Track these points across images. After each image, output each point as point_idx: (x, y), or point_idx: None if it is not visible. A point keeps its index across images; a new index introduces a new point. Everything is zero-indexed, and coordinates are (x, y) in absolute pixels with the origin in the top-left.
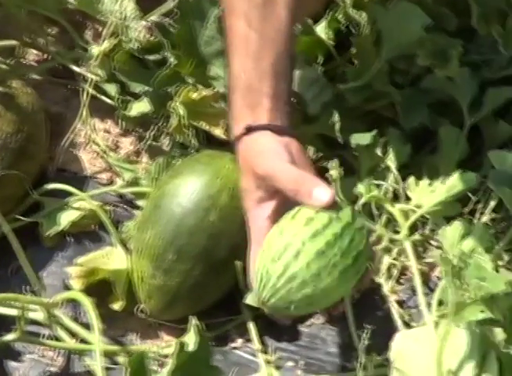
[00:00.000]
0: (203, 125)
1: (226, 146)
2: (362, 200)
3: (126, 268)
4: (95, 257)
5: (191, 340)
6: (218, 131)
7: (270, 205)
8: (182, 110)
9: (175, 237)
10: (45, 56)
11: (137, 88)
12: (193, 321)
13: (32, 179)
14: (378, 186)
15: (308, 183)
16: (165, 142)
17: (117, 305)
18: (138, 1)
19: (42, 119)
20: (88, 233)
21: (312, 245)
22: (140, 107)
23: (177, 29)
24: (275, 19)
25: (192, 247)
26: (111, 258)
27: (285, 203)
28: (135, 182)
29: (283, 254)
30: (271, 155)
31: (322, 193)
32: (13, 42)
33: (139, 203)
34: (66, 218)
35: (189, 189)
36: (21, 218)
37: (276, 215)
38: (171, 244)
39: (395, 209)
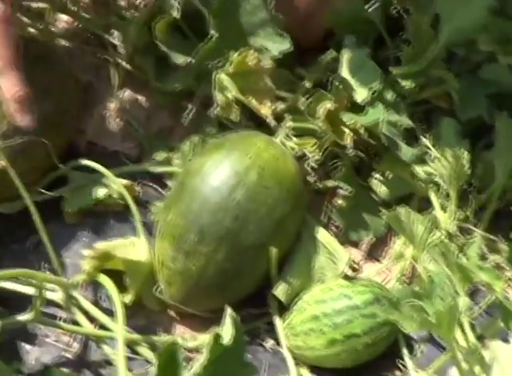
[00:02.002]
0: (252, 102)
1: (265, 127)
2: None
3: (144, 261)
4: (115, 244)
5: (226, 332)
6: (265, 111)
7: None
8: (230, 83)
9: (198, 216)
10: (76, 22)
11: (179, 59)
12: (229, 311)
13: (60, 152)
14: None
15: (19, 104)
16: (201, 120)
17: (127, 298)
18: None
19: (73, 87)
20: (114, 212)
21: (313, 309)
22: (178, 80)
23: None
24: None
25: (216, 227)
26: (132, 248)
27: None
28: (166, 161)
29: (295, 306)
30: None
31: (25, 119)
32: (44, 5)
33: (170, 183)
34: (91, 195)
35: (214, 165)
36: (44, 191)
37: None
38: (193, 223)
39: None
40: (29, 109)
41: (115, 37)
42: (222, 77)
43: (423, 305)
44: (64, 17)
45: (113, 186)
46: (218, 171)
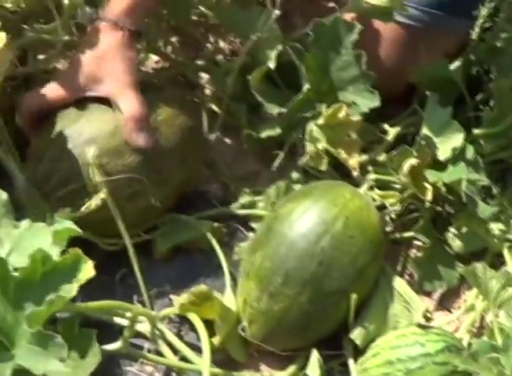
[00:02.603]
0: (341, 153)
1: (347, 176)
2: None
3: (233, 309)
4: (207, 292)
5: (313, 373)
6: (352, 162)
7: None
8: (320, 134)
9: (284, 260)
10: (165, 64)
11: (273, 109)
12: (315, 353)
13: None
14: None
15: (136, 123)
16: (287, 166)
17: (215, 340)
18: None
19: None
20: (200, 250)
21: (387, 354)
22: (269, 128)
23: (311, 53)
24: None
25: (301, 272)
26: (221, 296)
27: None
28: (251, 204)
29: (370, 350)
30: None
31: (141, 139)
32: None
33: (254, 225)
34: (180, 236)
35: (303, 212)
36: (142, 234)
37: None
38: (280, 266)
39: None
40: (146, 129)
41: (203, 79)
42: (314, 128)
43: (501, 358)
44: (154, 58)
45: (201, 228)
46: (305, 219)
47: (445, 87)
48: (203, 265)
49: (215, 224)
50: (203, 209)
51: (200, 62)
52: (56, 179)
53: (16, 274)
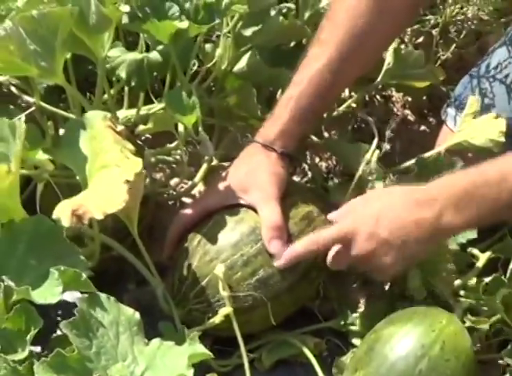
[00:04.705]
0: (440, 285)
1: (437, 298)
2: None
3: None
4: None
5: None
6: (447, 293)
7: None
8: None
9: None
10: None
11: None
12: None
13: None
14: None
15: (274, 233)
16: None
17: None
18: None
19: None
20: (301, 363)
21: None
22: None
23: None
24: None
25: None
26: None
27: None
28: (351, 322)
29: None
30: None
31: (275, 247)
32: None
33: (353, 341)
34: (284, 350)
35: (403, 336)
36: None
37: None
38: None
39: None
40: (282, 238)
41: None
42: None
43: None
44: None
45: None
46: (406, 342)
47: None
48: None
49: (316, 339)
50: (302, 324)
51: (296, 178)
52: (188, 290)
53: None
